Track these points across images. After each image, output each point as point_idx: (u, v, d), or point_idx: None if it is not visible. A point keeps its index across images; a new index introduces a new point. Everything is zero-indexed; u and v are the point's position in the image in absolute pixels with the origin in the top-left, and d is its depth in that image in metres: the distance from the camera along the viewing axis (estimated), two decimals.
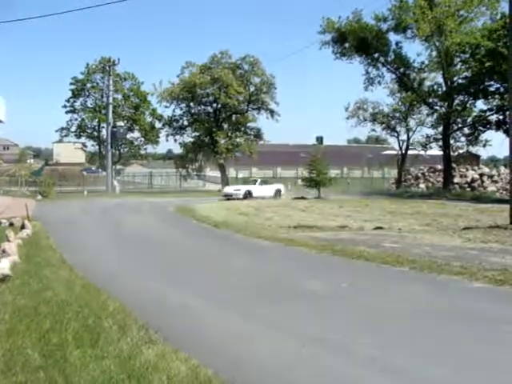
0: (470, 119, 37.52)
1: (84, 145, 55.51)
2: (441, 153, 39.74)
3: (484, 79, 33.47)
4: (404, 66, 38.86)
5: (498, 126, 34.50)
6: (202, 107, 45.49)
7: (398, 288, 7.71)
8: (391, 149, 57.49)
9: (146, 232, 15.54)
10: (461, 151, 39.49)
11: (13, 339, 4.83)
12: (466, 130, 38.00)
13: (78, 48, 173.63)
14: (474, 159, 45.38)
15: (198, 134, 45.46)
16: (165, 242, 13.43)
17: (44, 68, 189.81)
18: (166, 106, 44.55)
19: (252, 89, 43.83)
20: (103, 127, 47.03)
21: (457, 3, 34.45)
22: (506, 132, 28.23)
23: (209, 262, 10.19)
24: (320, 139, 49.70)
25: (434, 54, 36.89)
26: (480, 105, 36.97)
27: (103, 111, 45.84)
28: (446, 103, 36.49)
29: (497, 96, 34.10)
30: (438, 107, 38.09)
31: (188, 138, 45.76)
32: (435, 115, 38.19)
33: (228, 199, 30.79)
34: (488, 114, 35.85)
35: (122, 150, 50.24)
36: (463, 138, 38.37)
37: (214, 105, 44.57)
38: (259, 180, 36.00)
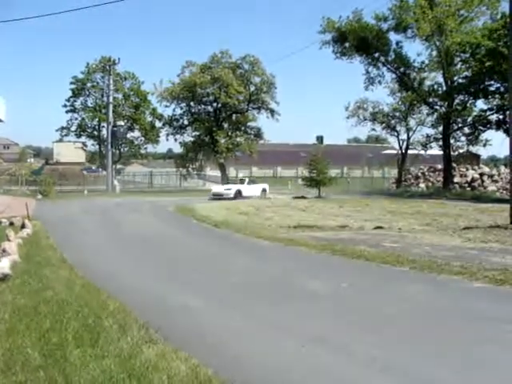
0: (470, 119, 37.52)
1: (84, 144, 55.40)
2: (441, 152, 39.74)
3: (484, 79, 33.46)
4: (404, 66, 38.84)
5: (498, 125, 34.51)
6: (203, 107, 45.54)
7: (398, 288, 7.71)
8: (391, 148, 57.42)
9: (146, 231, 15.54)
10: (461, 151, 39.49)
11: (13, 338, 4.83)
12: (466, 130, 38.00)
13: (78, 47, 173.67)
14: (474, 159, 45.38)
15: (198, 133, 45.48)
16: (165, 241, 13.43)
17: (44, 67, 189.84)
18: (167, 106, 44.69)
19: (252, 88, 43.84)
20: (103, 126, 47.01)
21: (457, 3, 34.44)
22: (506, 132, 28.24)
23: (209, 262, 10.19)
24: (320, 139, 49.75)
25: (435, 53, 36.89)
26: (480, 104, 37.06)
27: (103, 110, 45.83)
28: (446, 103, 36.49)
29: (497, 96, 34.10)
30: (438, 107, 38.09)
31: (188, 137, 45.88)
32: (435, 115, 38.18)
33: (218, 199, 29.64)
34: (488, 113, 35.87)
35: (122, 150, 50.22)
36: (463, 138, 38.42)
37: (215, 104, 44.60)
38: (247, 179, 35.75)
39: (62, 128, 50.34)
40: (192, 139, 45.48)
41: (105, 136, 43.61)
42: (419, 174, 47.79)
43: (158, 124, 48.90)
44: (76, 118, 50.32)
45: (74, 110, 50.28)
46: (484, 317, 5.98)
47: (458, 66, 36.56)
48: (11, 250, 9.23)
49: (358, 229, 15.19)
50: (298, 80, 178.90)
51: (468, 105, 36.92)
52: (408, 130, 41.83)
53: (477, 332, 5.46)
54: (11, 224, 15.00)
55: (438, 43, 35.32)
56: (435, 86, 38.02)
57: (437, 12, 33.51)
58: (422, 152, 43.55)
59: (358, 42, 36.53)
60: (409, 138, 42.04)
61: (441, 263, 9.04)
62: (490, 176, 42.56)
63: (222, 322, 5.90)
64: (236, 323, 5.86)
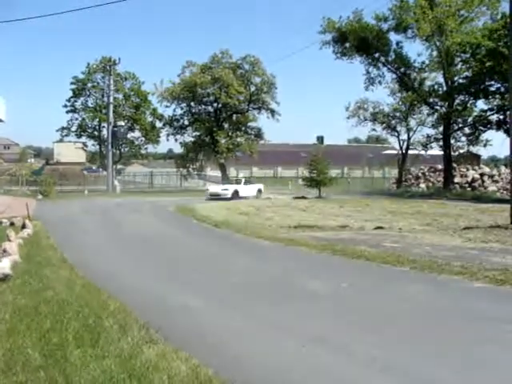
0: (470, 119, 37.52)
1: (85, 144, 55.35)
2: (441, 153, 39.74)
3: (484, 79, 33.46)
4: (404, 66, 38.85)
5: (499, 125, 34.50)
6: (203, 107, 45.52)
7: (399, 288, 7.72)
8: (392, 148, 57.41)
9: (147, 232, 15.55)
10: (461, 151, 39.49)
11: (13, 339, 4.83)
12: (467, 130, 38.00)
13: (79, 48, 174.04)
14: (474, 159, 45.38)
15: (198, 133, 45.47)
16: (165, 241, 13.44)
17: (44, 67, 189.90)
18: (167, 106, 44.66)
19: (252, 88, 43.83)
20: (104, 127, 47.00)
21: (457, 3, 34.44)
22: (507, 132, 28.27)
23: (209, 262, 10.19)
24: (320, 139, 49.76)
25: (435, 53, 36.89)
26: (480, 104, 37.08)
27: (104, 111, 45.82)
28: (447, 103, 36.49)
29: (497, 96, 34.10)
30: (438, 107, 38.08)
31: (189, 137, 45.86)
32: (436, 115, 38.17)
33: (215, 199, 29.27)
34: (488, 113, 35.87)
35: (122, 150, 50.22)
36: (464, 138, 38.41)
37: (215, 104, 44.59)
38: (243, 180, 35.65)
39: (63, 128, 50.37)
40: (192, 139, 45.52)
41: (105, 136, 43.61)
42: (419, 174, 47.79)
43: (158, 124, 48.96)
44: (76, 118, 50.38)
45: (74, 110, 50.29)
46: (484, 317, 5.99)
47: (459, 66, 36.56)
48: (12, 250, 9.23)
49: (358, 229, 15.19)
50: (298, 80, 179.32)
51: (468, 105, 36.93)
52: (408, 130, 41.85)
53: (477, 332, 5.46)
54: (12, 224, 15.00)
55: (438, 43, 35.33)
56: (435, 86, 38.07)
57: (437, 12, 33.51)
58: (423, 152, 43.56)
59: (359, 42, 36.54)
60: (409, 138, 42.07)
61: (441, 263, 9.04)
62: (491, 176, 42.53)
63: (222, 322, 5.90)
64: (236, 323, 5.86)
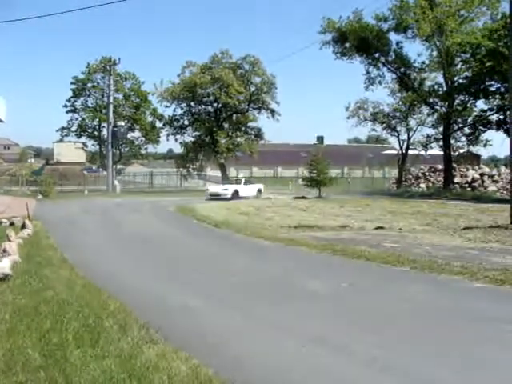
0: (470, 119, 37.55)
1: (85, 144, 55.33)
2: (441, 153, 39.75)
3: (484, 79, 33.48)
4: (404, 66, 38.86)
5: (499, 125, 34.51)
6: (203, 107, 45.53)
7: (399, 288, 7.71)
8: (392, 148, 57.35)
9: (147, 232, 15.55)
10: (461, 151, 39.51)
11: (13, 339, 4.83)
12: (467, 130, 38.04)
13: (79, 48, 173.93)
14: (474, 159, 45.40)
15: (198, 133, 45.48)
16: (165, 241, 13.44)
17: (44, 67, 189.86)
18: (167, 106, 44.69)
19: (252, 88, 43.84)
20: (104, 127, 47.01)
21: (457, 3, 34.47)
22: (507, 132, 28.27)
23: (209, 262, 10.19)
24: (320, 139, 49.68)
25: (435, 53, 36.91)
26: (480, 105, 37.10)
27: (104, 111, 45.83)
28: (447, 103, 36.50)
29: (497, 96, 34.13)
30: (438, 107, 38.10)
31: (189, 137, 45.87)
32: (436, 115, 38.19)
33: (215, 199, 29.10)
34: (488, 113, 35.90)
35: (122, 150, 50.23)
36: (464, 138, 38.47)
37: (215, 104, 44.60)
38: (243, 180, 35.58)
39: (63, 128, 50.40)
40: (192, 139, 45.54)
41: (105, 136, 43.60)
42: (419, 174, 47.81)
43: (158, 124, 48.98)
44: (76, 119, 50.43)
45: (74, 111, 50.34)
46: (484, 317, 5.98)
47: (459, 66, 36.59)
48: (12, 250, 9.23)
49: (358, 229, 15.19)
50: (298, 80, 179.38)
51: (468, 105, 36.95)
52: (408, 130, 41.88)
53: (477, 332, 5.46)
54: (12, 224, 15.00)
55: (438, 43, 35.34)
56: (435, 87, 38.10)
57: (437, 12, 33.53)
58: (423, 152, 43.58)
59: (359, 42, 36.55)
60: (409, 139, 42.09)
61: (441, 263, 9.04)
62: (491, 176, 42.55)
63: (222, 322, 5.90)
64: (236, 323, 5.86)
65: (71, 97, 50.11)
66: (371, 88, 40.36)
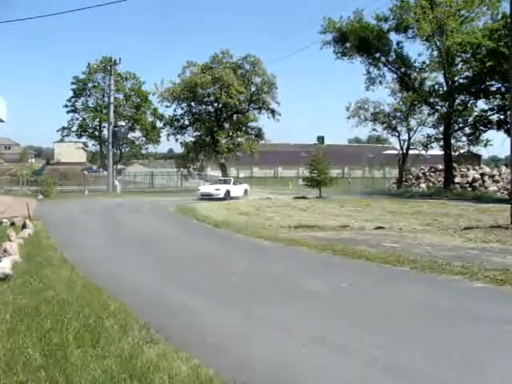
0: (471, 119, 37.52)
1: (85, 144, 55.32)
2: (442, 153, 39.72)
3: (485, 79, 33.46)
4: (405, 66, 38.84)
5: (499, 125, 34.49)
6: (203, 107, 45.52)
7: (399, 288, 7.71)
8: (392, 148, 57.35)
9: (147, 232, 15.55)
10: (462, 151, 39.45)
11: (14, 339, 4.83)
12: (467, 130, 38.00)
13: (79, 48, 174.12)
14: (475, 159, 45.37)
15: (199, 133, 45.48)
16: (165, 241, 13.44)
17: (44, 67, 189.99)
18: (167, 106, 44.69)
19: (253, 88, 43.84)
20: (104, 127, 47.04)
21: (458, 3, 34.44)
22: (507, 132, 28.26)
23: (209, 262, 10.19)
24: (321, 139, 49.72)
25: (435, 53, 36.86)
26: (481, 104, 37.07)
27: (104, 111, 45.85)
28: (447, 103, 36.47)
29: (498, 96, 34.11)
30: (439, 107, 38.06)
31: (189, 137, 45.85)
32: (436, 115, 38.14)
33: (207, 199, 28.74)
34: (489, 113, 35.87)
35: (123, 150, 50.24)
36: (464, 138, 38.40)
37: (215, 104, 44.59)
38: (232, 179, 35.46)
39: (63, 128, 50.42)
40: (193, 139, 45.53)
41: (106, 136, 43.63)
42: (420, 174, 47.77)
43: (158, 124, 49.00)
44: (77, 118, 50.45)
45: (75, 111, 50.36)
46: (484, 317, 5.99)
47: (459, 66, 36.55)
48: (12, 250, 9.24)
49: (358, 229, 15.19)
50: (298, 80, 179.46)
51: (469, 105, 36.92)
52: (409, 130, 41.81)
53: (477, 332, 5.46)
54: (12, 224, 15.01)
55: (438, 43, 35.31)
56: (436, 86, 38.03)
57: (437, 12, 33.52)
58: (423, 152, 43.50)
59: (359, 42, 36.56)
60: (410, 138, 42.01)
61: (441, 263, 9.04)
62: (491, 176, 42.52)
63: (222, 322, 5.90)
64: (236, 323, 5.87)
65: (72, 97, 50.18)
66: (372, 88, 40.41)
